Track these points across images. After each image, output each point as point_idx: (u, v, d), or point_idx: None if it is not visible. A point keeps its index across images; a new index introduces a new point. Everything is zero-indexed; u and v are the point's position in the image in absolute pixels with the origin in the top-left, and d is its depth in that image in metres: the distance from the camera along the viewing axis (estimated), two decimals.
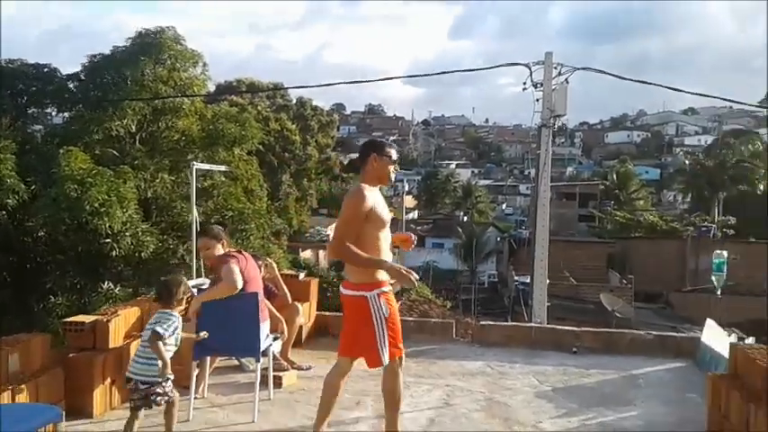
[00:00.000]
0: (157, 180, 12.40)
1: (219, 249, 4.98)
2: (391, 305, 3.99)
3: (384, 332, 3.92)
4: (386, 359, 3.96)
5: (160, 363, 3.87)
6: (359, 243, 3.86)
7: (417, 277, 3.95)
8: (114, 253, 11.12)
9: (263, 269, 5.62)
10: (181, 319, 4.10)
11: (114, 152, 12.72)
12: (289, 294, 5.96)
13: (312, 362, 5.99)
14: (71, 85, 13.62)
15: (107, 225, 10.46)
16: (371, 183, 4.00)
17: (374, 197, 3.95)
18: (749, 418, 3.94)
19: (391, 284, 4.02)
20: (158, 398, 3.92)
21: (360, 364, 6.14)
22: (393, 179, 4.11)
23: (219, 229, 5.20)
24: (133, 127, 12.88)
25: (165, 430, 4.07)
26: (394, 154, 4.06)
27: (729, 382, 4.40)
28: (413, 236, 4.43)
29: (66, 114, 13.92)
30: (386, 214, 4.00)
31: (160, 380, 3.90)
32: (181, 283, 4.17)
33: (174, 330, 3.98)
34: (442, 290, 23.70)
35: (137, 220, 11.39)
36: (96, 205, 10.34)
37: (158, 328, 3.89)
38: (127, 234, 11.03)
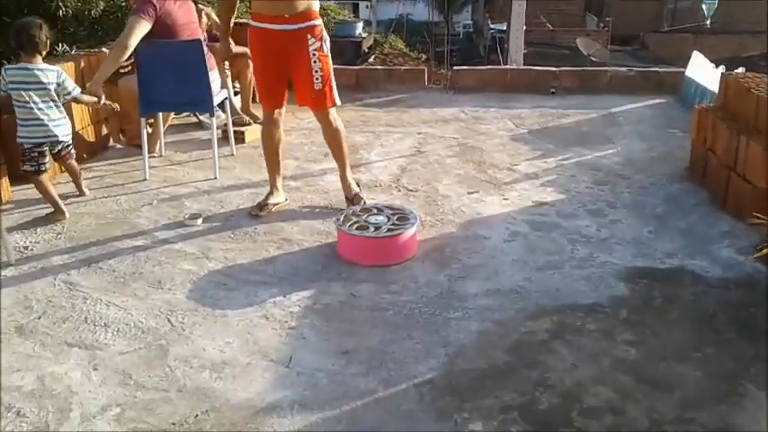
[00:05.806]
0: None
1: None
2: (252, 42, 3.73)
3: None
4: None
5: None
6: None
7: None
8: (61, 12, 10.20)
9: (203, 18, 5.06)
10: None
11: None
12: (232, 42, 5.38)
13: None
14: None
15: None
16: None
17: None
18: (738, 151, 3.72)
19: None
20: (72, 150, 3.87)
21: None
22: None
23: None
24: None
25: (73, 180, 4.02)
26: None
27: (718, 114, 4.13)
28: None
29: None
30: None
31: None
32: (40, 24, 3.71)
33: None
34: (416, 43, 22.55)
35: None
36: None
37: (75, 93, 3.78)
38: None
